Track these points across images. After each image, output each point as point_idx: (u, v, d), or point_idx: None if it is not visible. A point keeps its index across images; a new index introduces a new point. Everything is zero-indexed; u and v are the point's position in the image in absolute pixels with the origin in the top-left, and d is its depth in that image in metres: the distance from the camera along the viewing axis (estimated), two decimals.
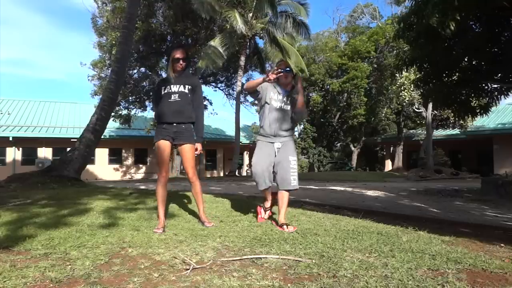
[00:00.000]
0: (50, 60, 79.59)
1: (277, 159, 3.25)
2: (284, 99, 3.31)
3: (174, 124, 3.19)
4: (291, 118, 3.35)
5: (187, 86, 3.24)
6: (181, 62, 3.22)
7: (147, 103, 21.80)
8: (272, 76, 3.12)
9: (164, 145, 3.21)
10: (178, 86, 3.23)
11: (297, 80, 3.38)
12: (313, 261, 2.16)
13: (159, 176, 3.24)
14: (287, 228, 3.03)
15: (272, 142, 3.28)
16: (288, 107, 3.31)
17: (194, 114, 3.27)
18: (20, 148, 22.08)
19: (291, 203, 4.17)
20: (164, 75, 21.15)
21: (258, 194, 7.85)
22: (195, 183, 3.29)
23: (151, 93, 21.33)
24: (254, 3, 17.34)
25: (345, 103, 27.75)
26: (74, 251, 2.36)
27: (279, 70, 3.26)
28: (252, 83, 3.36)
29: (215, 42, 17.01)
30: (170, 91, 3.22)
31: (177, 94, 3.20)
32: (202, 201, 3.35)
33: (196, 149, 3.27)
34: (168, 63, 3.30)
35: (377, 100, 27.65)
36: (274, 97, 3.29)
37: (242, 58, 18.65)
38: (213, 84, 23.64)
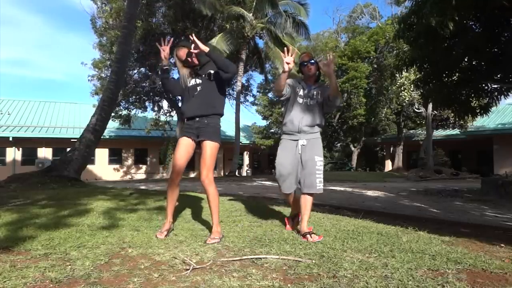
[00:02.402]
0: (50, 60, 79.61)
1: (303, 158, 2.95)
2: (309, 93, 3.02)
3: (197, 119, 2.87)
4: (321, 111, 3.05)
5: (207, 72, 2.91)
6: (191, 59, 2.91)
7: (147, 103, 21.82)
8: (288, 60, 2.76)
9: (185, 142, 2.89)
10: (201, 78, 2.94)
11: (328, 63, 2.88)
12: (313, 261, 2.16)
13: (171, 175, 2.93)
14: (311, 237, 2.71)
15: (296, 140, 2.98)
16: (313, 102, 3.01)
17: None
18: (20, 148, 22.08)
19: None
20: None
21: (258, 194, 7.86)
22: (207, 188, 2.81)
23: (151, 93, 21.37)
24: (254, 3, 17.35)
25: (345, 103, 27.74)
26: (74, 252, 2.36)
27: (303, 61, 3.05)
28: (279, 81, 2.96)
29: (217, 39, 17.00)
30: (195, 83, 2.92)
31: (200, 86, 2.90)
32: (217, 210, 2.84)
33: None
34: (176, 67, 2.98)
35: (377, 100, 27.63)
36: (299, 92, 3.03)
37: (242, 58, 18.67)
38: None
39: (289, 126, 3.01)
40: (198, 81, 2.93)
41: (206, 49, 2.82)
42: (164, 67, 2.98)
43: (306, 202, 2.97)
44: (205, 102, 2.88)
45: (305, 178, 2.94)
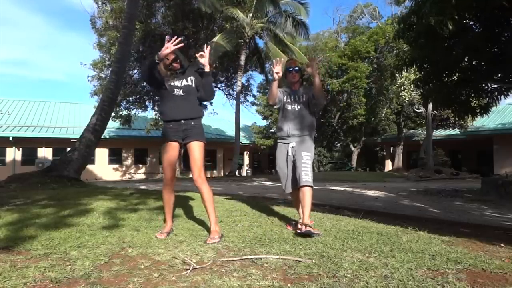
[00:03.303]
0: (50, 60, 79.73)
1: (294, 158, 3.20)
2: (295, 98, 3.30)
3: (182, 122, 2.93)
4: (309, 113, 3.29)
5: (189, 78, 3.00)
6: (174, 64, 2.97)
7: (147, 103, 21.79)
8: (277, 70, 3.11)
9: (172, 147, 2.96)
10: (181, 80, 2.99)
11: (311, 64, 3.22)
12: (313, 261, 2.16)
13: (164, 180, 3.00)
14: (306, 228, 2.83)
15: (287, 143, 3.27)
16: (300, 106, 3.27)
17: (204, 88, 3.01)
18: (20, 148, 22.07)
19: (291, 203, 4.17)
20: None
21: (258, 194, 7.86)
22: (200, 187, 2.89)
23: (151, 93, 21.37)
24: (254, 3, 17.35)
25: (345, 103, 27.74)
26: (74, 251, 2.36)
27: (289, 67, 3.32)
28: (271, 92, 3.28)
29: (217, 39, 17.01)
30: (173, 84, 2.98)
31: (181, 89, 2.97)
32: (213, 209, 2.91)
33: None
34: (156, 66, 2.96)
35: (377, 100, 27.61)
36: (287, 99, 3.31)
37: (242, 58, 18.66)
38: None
39: (280, 132, 3.33)
40: (178, 83, 3.00)
41: (208, 69, 2.97)
42: (156, 61, 2.93)
43: (303, 196, 3.06)
44: (191, 105, 2.99)
45: (296, 174, 3.13)
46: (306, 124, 3.26)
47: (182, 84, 2.99)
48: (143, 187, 9.00)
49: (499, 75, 8.63)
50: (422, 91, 10.39)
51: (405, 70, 9.82)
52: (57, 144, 21.99)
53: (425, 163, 20.24)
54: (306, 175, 3.05)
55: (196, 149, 2.93)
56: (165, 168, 2.99)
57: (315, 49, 28.78)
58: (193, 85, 3.01)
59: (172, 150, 2.97)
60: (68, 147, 15.27)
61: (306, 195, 3.03)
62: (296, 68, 3.33)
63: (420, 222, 4.26)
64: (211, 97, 3.15)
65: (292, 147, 3.23)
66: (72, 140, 18.34)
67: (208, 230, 2.98)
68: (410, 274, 1.92)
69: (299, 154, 3.14)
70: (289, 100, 3.31)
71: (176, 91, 2.97)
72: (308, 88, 3.35)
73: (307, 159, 3.12)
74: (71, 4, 65.01)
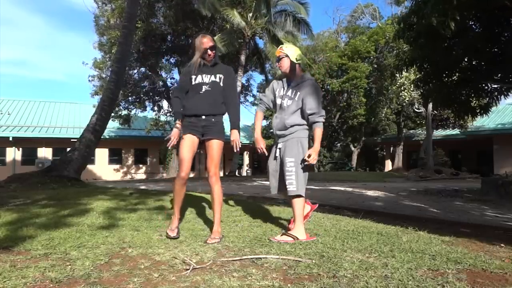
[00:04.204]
0: (50, 60, 79.72)
1: (282, 162, 2.96)
2: (287, 93, 2.98)
3: (203, 117, 2.87)
4: (300, 112, 2.93)
5: (218, 76, 2.94)
6: (210, 52, 2.91)
7: (147, 103, 21.82)
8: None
9: (190, 139, 2.89)
10: (209, 76, 2.94)
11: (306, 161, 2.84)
12: (313, 261, 2.16)
13: (178, 173, 2.90)
14: (281, 236, 2.74)
15: (276, 143, 3.05)
16: (291, 102, 2.94)
17: (226, 99, 2.94)
18: (20, 148, 22.08)
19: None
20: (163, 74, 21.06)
21: (258, 194, 7.86)
22: (213, 186, 2.86)
23: (151, 93, 21.39)
24: (254, 3, 17.35)
25: (345, 103, 27.73)
26: (74, 251, 2.36)
27: (276, 58, 3.05)
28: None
29: (215, 39, 17.05)
30: (201, 81, 2.92)
31: (208, 85, 2.91)
32: (219, 209, 2.88)
33: (233, 141, 2.91)
34: (194, 54, 2.95)
35: (377, 100, 27.63)
36: (280, 93, 3.04)
37: (242, 58, 18.65)
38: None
39: (273, 131, 3.10)
40: (206, 80, 2.94)
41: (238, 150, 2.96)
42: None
43: (292, 204, 2.92)
44: (213, 101, 2.91)
45: (283, 181, 2.92)
46: (295, 122, 2.92)
47: (210, 80, 2.94)
48: (143, 187, 9.00)
49: (499, 75, 8.64)
50: (422, 91, 10.40)
51: (405, 70, 9.82)
52: (57, 144, 22.00)
53: (425, 163, 20.23)
54: (290, 184, 2.83)
55: (215, 147, 2.89)
56: (180, 161, 2.90)
57: (315, 49, 28.76)
58: (221, 83, 2.95)
59: (190, 141, 2.89)
60: (68, 147, 15.28)
61: (293, 206, 2.88)
62: (283, 55, 2.98)
63: (420, 222, 4.26)
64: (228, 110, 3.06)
65: (279, 148, 2.99)
66: (72, 140, 18.34)
67: (209, 230, 2.99)
68: (410, 274, 1.92)
69: (284, 160, 2.90)
70: (281, 94, 3.02)
71: (204, 88, 2.92)
72: (305, 92, 2.92)
73: (290, 166, 2.85)
74: (71, 4, 65.10)
